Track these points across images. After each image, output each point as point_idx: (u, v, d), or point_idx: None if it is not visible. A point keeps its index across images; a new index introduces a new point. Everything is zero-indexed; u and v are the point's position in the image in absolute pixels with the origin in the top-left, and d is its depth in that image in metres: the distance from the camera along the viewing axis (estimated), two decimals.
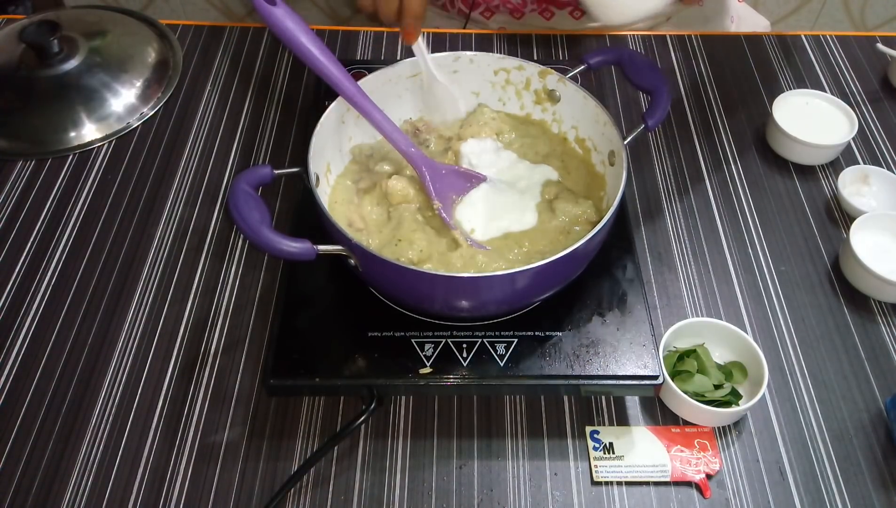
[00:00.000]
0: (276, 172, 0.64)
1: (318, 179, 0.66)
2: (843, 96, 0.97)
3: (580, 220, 0.69)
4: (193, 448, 0.65)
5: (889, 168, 0.88)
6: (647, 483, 0.64)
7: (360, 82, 0.70)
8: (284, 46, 0.69)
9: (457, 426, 0.67)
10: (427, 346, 0.65)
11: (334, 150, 0.72)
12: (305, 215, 0.72)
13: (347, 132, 0.74)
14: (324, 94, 0.84)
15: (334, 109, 0.70)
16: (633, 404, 0.68)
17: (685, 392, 0.65)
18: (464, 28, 1.11)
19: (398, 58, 0.80)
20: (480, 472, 0.64)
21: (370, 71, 0.74)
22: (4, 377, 0.69)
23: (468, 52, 0.76)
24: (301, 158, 0.65)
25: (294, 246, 0.58)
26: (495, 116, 0.76)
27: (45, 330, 0.72)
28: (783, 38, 1.06)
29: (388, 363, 0.64)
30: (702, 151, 0.91)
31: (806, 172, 0.89)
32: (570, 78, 0.73)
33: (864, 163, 0.89)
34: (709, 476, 0.64)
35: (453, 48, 1.02)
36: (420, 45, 0.73)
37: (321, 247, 0.59)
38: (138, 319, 0.73)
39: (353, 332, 0.66)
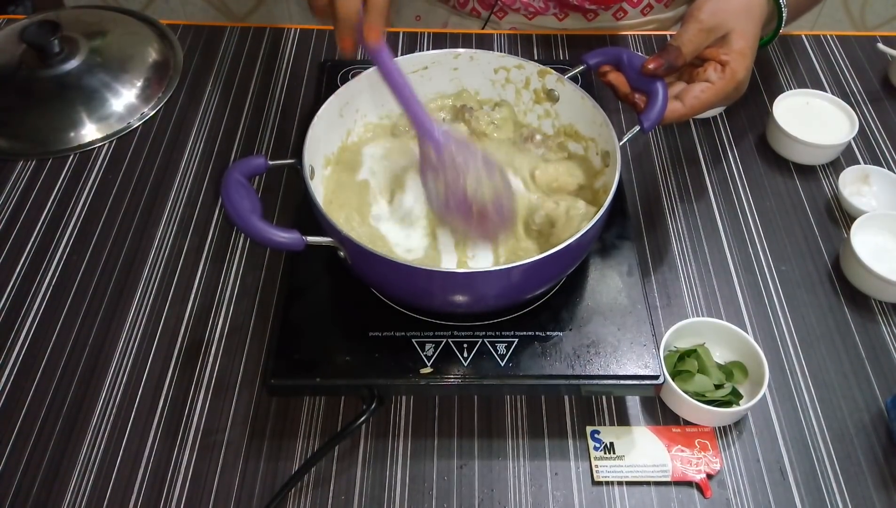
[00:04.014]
0: (271, 162, 0.64)
1: (313, 171, 0.66)
2: (844, 96, 0.96)
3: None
4: (194, 449, 0.65)
5: (889, 168, 0.88)
6: (648, 483, 0.64)
7: (359, 77, 0.72)
8: None
9: (457, 426, 0.67)
10: (428, 346, 0.65)
11: (333, 143, 0.72)
12: (309, 209, 0.72)
13: (346, 126, 0.74)
14: (324, 94, 0.84)
15: (333, 102, 0.70)
16: (633, 404, 0.68)
17: (686, 392, 0.65)
18: (482, 28, 1.10)
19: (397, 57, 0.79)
20: (481, 472, 0.64)
21: None
22: (5, 377, 0.69)
23: (469, 50, 0.76)
24: (299, 151, 0.65)
25: (283, 236, 0.58)
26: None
27: (45, 330, 0.72)
28: (783, 38, 1.06)
29: (389, 363, 0.64)
30: (702, 151, 0.90)
31: (806, 171, 0.89)
32: (570, 78, 0.73)
33: (865, 163, 0.89)
34: (709, 476, 0.64)
35: (453, 45, 1.02)
36: (385, 52, 0.63)
37: (310, 238, 0.59)
38: (139, 319, 0.73)
39: (353, 332, 0.66)
